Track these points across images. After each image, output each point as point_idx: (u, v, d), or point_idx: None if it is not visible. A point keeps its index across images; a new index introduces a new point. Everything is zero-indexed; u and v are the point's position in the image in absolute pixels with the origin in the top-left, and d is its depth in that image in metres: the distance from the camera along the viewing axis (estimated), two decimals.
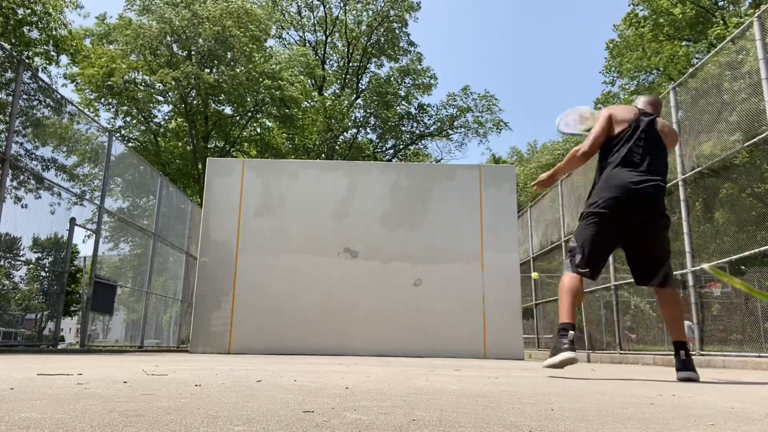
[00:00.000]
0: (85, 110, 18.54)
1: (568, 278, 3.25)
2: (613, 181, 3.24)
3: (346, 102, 26.57)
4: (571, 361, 3.02)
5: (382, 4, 27.14)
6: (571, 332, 3.12)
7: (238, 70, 19.94)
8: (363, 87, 28.52)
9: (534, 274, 4.21)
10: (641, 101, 3.60)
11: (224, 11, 19.30)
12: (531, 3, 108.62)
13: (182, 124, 21.68)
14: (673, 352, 3.16)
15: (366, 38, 27.71)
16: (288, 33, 28.77)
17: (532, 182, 3.66)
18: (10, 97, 6.63)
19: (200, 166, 19.75)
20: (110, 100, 20.21)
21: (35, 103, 7.45)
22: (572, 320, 3.15)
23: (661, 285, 3.19)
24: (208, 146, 21.62)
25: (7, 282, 8.14)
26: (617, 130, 3.37)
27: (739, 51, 6.52)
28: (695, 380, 2.99)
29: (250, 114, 21.81)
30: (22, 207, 7.38)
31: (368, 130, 28.36)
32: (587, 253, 3.24)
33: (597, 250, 3.25)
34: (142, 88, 20.24)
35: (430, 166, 13.23)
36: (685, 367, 3.04)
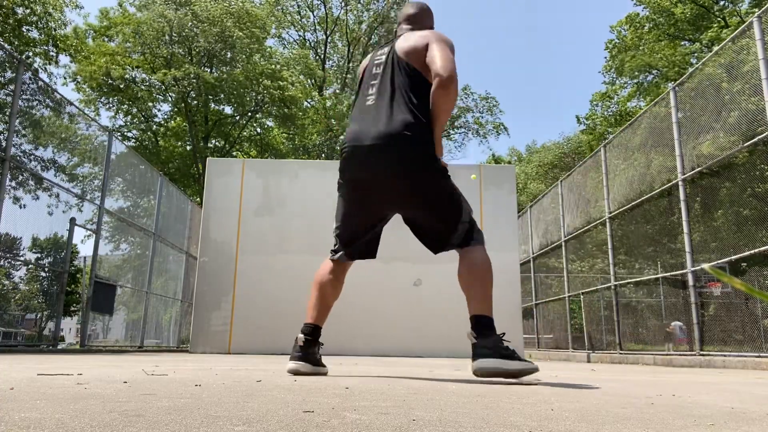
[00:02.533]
0: (86, 110, 18.55)
1: (321, 265, 2.73)
2: (344, 141, 2.61)
3: (347, 102, 26.57)
4: (295, 372, 2.49)
5: (383, 5, 27.15)
6: (301, 336, 2.54)
7: (238, 69, 19.94)
8: None
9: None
10: (400, 20, 2.81)
11: (224, 11, 19.30)
12: (531, 3, 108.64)
13: (182, 123, 21.68)
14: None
15: (366, 38, 27.71)
16: (288, 32, 28.78)
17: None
18: (10, 97, 6.63)
19: (200, 166, 19.76)
20: (110, 99, 20.22)
21: (35, 103, 7.45)
22: (312, 319, 2.59)
23: (460, 246, 2.61)
24: (208, 146, 21.62)
25: (7, 282, 8.14)
26: (358, 84, 2.74)
27: (739, 51, 6.52)
28: (501, 374, 2.33)
29: (250, 114, 21.82)
30: (21, 207, 7.38)
31: None
32: (339, 231, 2.66)
33: (349, 226, 2.62)
34: (142, 87, 20.25)
35: None
36: (483, 352, 2.35)
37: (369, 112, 2.54)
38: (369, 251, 2.74)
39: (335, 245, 2.70)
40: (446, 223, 2.54)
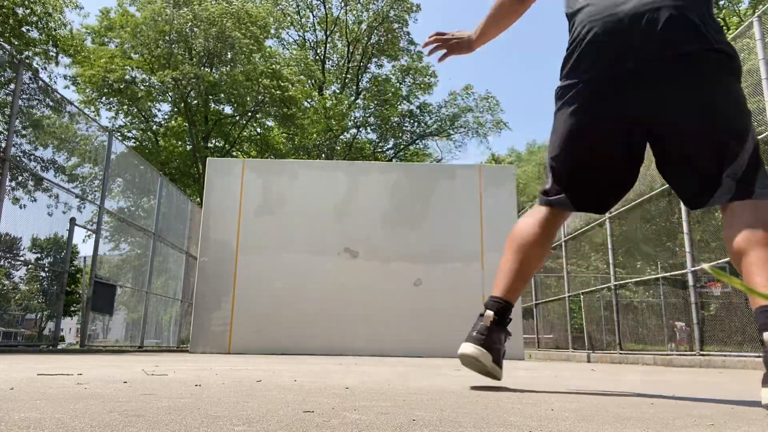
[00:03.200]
0: (86, 110, 18.55)
1: (521, 220, 1.98)
2: (591, 20, 1.75)
3: (346, 102, 26.58)
4: (468, 361, 1.92)
5: (382, 5, 27.15)
6: (489, 313, 1.88)
7: (238, 69, 19.95)
8: (363, 87, 28.53)
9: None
10: None
11: (224, 11, 19.31)
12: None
13: (182, 123, 21.69)
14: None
15: (366, 38, 27.71)
16: (288, 33, 28.78)
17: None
18: (10, 97, 6.63)
19: (200, 166, 19.76)
20: (111, 99, 20.22)
21: (35, 102, 7.45)
22: (504, 293, 1.91)
23: (737, 196, 1.57)
24: (208, 146, 21.63)
25: (7, 282, 8.14)
26: None
27: (738, 51, 6.52)
28: None
29: (250, 114, 21.82)
30: (20, 207, 7.38)
31: (368, 130, 28.36)
32: (558, 167, 1.87)
33: (576, 155, 1.82)
34: (142, 87, 20.25)
35: (430, 166, 13.24)
36: None
37: None
38: (600, 199, 1.88)
39: (549, 184, 1.92)
40: (723, 155, 1.61)
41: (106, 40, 20.36)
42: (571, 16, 1.88)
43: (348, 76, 28.52)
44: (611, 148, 1.78)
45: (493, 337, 1.87)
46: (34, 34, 15.34)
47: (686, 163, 1.67)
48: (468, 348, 1.88)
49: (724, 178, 1.59)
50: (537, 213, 1.93)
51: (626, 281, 8.85)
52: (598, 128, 1.77)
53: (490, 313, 1.88)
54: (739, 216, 1.55)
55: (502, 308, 1.90)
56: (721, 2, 20.35)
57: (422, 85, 28.59)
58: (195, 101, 20.20)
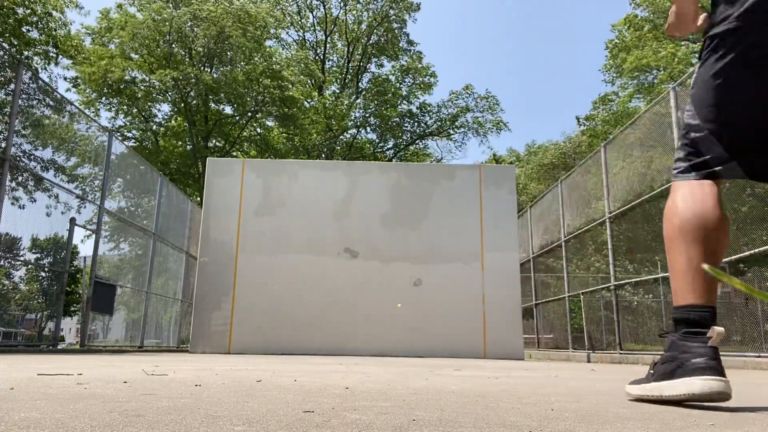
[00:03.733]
0: (86, 110, 18.55)
1: (681, 196, 1.63)
2: None
3: (346, 102, 26.58)
4: (716, 397, 1.45)
5: (382, 4, 27.15)
6: (717, 330, 1.50)
7: (238, 69, 19.95)
8: (363, 87, 28.53)
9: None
10: None
11: (224, 12, 19.31)
12: (531, 2, 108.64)
13: (182, 123, 21.69)
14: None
15: (366, 38, 27.71)
16: (288, 33, 28.78)
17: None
18: (10, 97, 6.63)
19: (200, 166, 19.76)
20: (111, 99, 20.22)
21: (35, 102, 7.45)
22: (705, 297, 1.55)
23: None
24: (208, 146, 21.63)
25: (7, 282, 8.14)
26: None
27: None
28: None
29: (250, 114, 21.82)
30: (20, 207, 7.38)
31: (368, 130, 28.37)
32: (720, 130, 1.58)
33: (742, 118, 1.56)
34: (141, 87, 20.25)
35: (430, 166, 13.24)
36: None
37: None
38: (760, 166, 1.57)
39: (700, 160, 1.63)
40: None
41: (106, 40, 20.36)
42: None
43: (348, 76, 28.52)
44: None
45: (719, 357, 1.50)
46: (34, 34, 15.34)
47: None
48: (716, 385, 1.44)
49: None
50: (703, 189, 1.58)
51: (626, 281, 8.85)
52: None
53: (718, 329, 1.50)
54: None
55: (708, 313, 1.54)
56: None
57: (422, 85, 28.60)
58: (195, 101, 20.20)
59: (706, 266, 0.54)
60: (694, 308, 1.53)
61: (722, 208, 1.58)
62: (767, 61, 1.49)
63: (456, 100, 28.45)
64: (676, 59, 19.12)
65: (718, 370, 1.44)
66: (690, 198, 1.59)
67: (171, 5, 19.12)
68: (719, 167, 1.57)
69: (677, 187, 1.65)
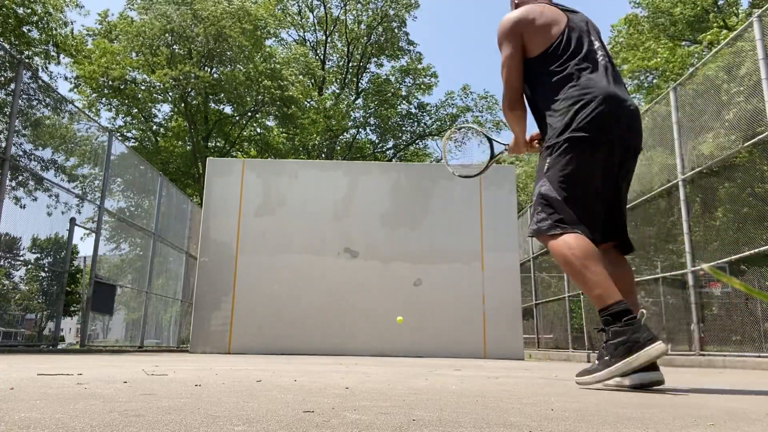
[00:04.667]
0: (86, 111, 18.54)
1: (568, 238, 2.16)
2: (590, 89, 2.22)
3: (346, 102, 26.58)
4: (662, 353, 2.00)
5: (381, 3, 27.14)
6: (642, 311, 2.05)
7: (238, 69, 19.95)
8: (363, 87, 28.53)
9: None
10: None
11: (224, 11, 19.30)
12: None
13: (182, 123, 21.69)
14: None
15: (366, 38, 27.71)
16: (288, 32, 28.78)
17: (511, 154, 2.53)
18: (10, 97, 6.63)
19: (200, 166, 19.76)
20: (111, 100, 20.22)
21: (35, 102, 7.45)
22: (621, 296, 2.09)
23: (625, 249, 2.40)
24: (208, 146, 21.62)
25: (7, 282, 8.14)
26: (553, 31, 2.35)
27: (738, 53, 6.52)
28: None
29: (250, 114, 21.82)
30: (21, 207, 7.38)
31: (368, 130, 28.37)
32: (580, 204, 2.21)
33: (592, 195, 2.24)
34: (142, 87, 20.24)
35: (430, 166, 13.23)
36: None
37: (606, 71, 2.30)
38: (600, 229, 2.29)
39: (573, 224, 2.20)
40: (624, 211, 2.43)
41: (107, 41, 20.36)
42: (560, 71, 2.31)
43: (348, 76, 28.52)
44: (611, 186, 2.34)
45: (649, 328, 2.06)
46: (35, 34, 15.34)
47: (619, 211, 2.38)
48: (663, 346, 2.00)
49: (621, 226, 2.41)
50: (578, 234, 2.20)
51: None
52: (608, 173, 2.29)
53: (642, 310, 2.06)
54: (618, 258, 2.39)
55: (625, 306, 2.07)
56: (721, 2, 20.35)
57: (422, 86, 28.61)
58: (195, 101, 20.20)
59: (706, 266, 0.54)
60: (619, 303, 2.05)
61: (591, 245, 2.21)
62: (599, 156, 2.22)
63: (453, 100, 28.47)
64: (674, 60, 19.11)
65: (657, 338, 1.98)
66: (575, 238, 2.16)
67: (171, 8, 19.12)
68: (573, 225, 2.18)
69: (557, 237, 2.21)
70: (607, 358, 2.04)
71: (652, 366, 2.01)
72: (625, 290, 2.21)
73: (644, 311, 2.01)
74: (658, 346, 1.95)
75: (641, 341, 1.96)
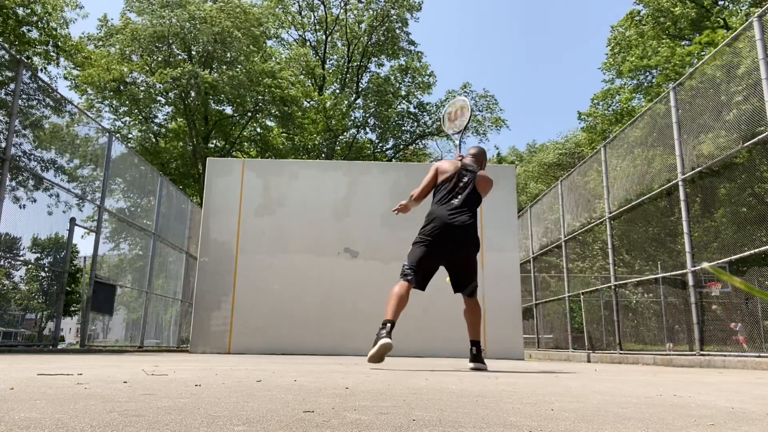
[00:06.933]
0: (87, 112, 18.53)
1: (399, 285, 4.07)
2: (436, 216, 4.20)
3: (346, 102, 26.58)
4: (388, 347, 3.66)
5: (383, 4, 27.13)
6: (389, 326, 3.82)
7: (238, 70, 19.94)
8: (363, 87, 28.52)
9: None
10: (468, 154, 4.58)
11: (222, 11, 19.29)
12: (531, 2, 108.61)
13: (182, 124, 21.69)
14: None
15: (366, 38, 27.69)
16: (288, 32, 28.76)
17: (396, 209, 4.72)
18: (10, 97, 6.63)
19: (200, 166, 19.75)
20: (111, 102, 20.21)
21: (34, 102, 7.45)
22: (394, 318, 3.88)
23: (469, 295, 4.24)
24: (208, 146, 21.62)
25: (7, 282, 8.14)
26: (441, 179, 4.36)
27: (737, 53, 6.52)
28: (484, 370, 3.93)
29: (250, 114, 21.81)
30: (21, 207, 7.38)
31: (368, 130, 28.36)
32: (416, 267, 4.11)
33: (422, 264, 4.12)
34: (142, 89, 20.24)
35: (430, 166, 13.25)
36: (475, 359, 4.07)
37: (456, 208, 4.21)
38: (424, 283, 4.22)
39: (410, 275, 4.12)
40: (470, 277, 4.28)
41: (107, 45, 20.35)
42: (433, 203, 4.39)
43: (348, 75, 28.51)
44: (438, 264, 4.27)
45: (389, 334, 3.78)
46: (34, 34, 15.32)
47: (460, 275, 4.29)
48: (386, 340, 3.70)
49: (469, 286, 4.27)
50: (403, 284, 4.11)
51: (627, 281, 8.84)
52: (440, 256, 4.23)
53: (389, 326, 3.84)
54: (468, 301, 4.31)
55: (392, 323, 3.88)
56: (721, 2, 20.34)
57: (421, 85, 28.60)
58: (195, 101, 20.20)
59: (707, 264, 0.54)
60: (389, 320, 3.85)
61: (408, 291, 4.06)
62: (432, 249, 4.18)
63: (453, 99, 28.44)
64: (675, 59, 19.10)
65: (389, 338, 3.69)
66: (399, 286, 4.09)
67: (170, 9, 19.10)
68: (409, 279, 4.13)
69: (398, 283, 4.14)
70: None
71: (382, 351, 3.67)
72: (469, 321, 4.28)
73: (385, 339, 3.69)
74: (385, 340, 3.67)
75: (380, 337, 3.72)
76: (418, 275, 4.11)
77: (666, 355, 7.02)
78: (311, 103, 24.88)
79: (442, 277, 8.75)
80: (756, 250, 5.72)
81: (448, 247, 4.15)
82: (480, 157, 4.58)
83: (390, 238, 8.49)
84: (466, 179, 4.32)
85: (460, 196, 4.25)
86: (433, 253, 4.16)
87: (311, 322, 8.19)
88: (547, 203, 12.77)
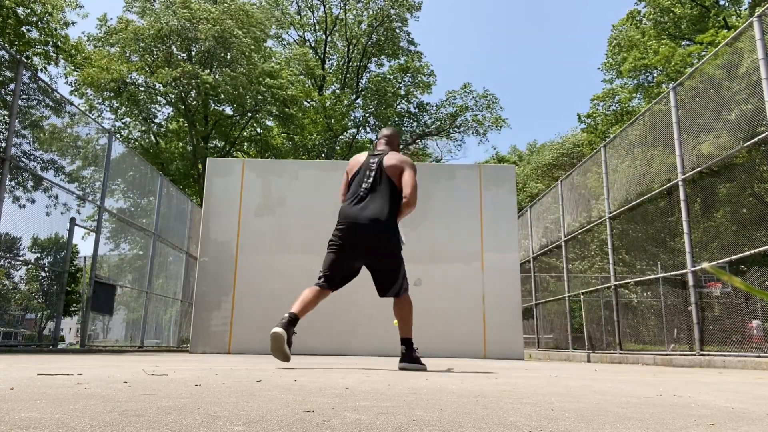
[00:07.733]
0: (87, 112, 18.53)
1: (309, 289, 3.87)
2: (341, 216, 3.88)
3: (346, 101, 26.57)
4: (277, 337, 3.48)
5: (383, 3, 27.11)
6: (287, 316, 3.64)
7: (238, 70, 19.94)
8: (363, 86, 28.51)
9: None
10: (382, 135, 4.27)
11: (223, 12, 19.29)
12: (532, 2, 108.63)
13: (182, 124, 21.68)
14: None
15: (366, 38, 27.69)
16: (288, 32, 28.76)
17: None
18: (10, 97, 6.63)
19: (200, 166, 19.75)
20: (111, 102, 20.20)
21: (34, 102, 7.44)
22: (297, 312, 3.68)
23: (395, 296, 3.88)
24: (208, 146, 21.61)
25: (7, 282, 8.14)
26: (351, 174, 4.06)
27: (738, 53, 6.52)
28: (417, 370, 3.66)
29: (250, 114, 21.80)
30: (20, 207, 7.38)
31: (368, 130, 28.36)
32: (328, 273, 3.84)
33: (335, 270, 3.83)
34: (142, 89, 20.22)
35: (430, 165, 13.21)
36: (404, 359, 3.77)
37: (362, 201, 3.85)
38: (342, 284, 3.93)
39: (322, 280, 3.85)
40: (391, 279, 3.87)
41: (107, 45, 20.33)
42: (343, 201, 4.03)
43: (348, 75, 28.50)
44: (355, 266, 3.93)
45: (290, 330, 3.59)
46: (34, 34, 15.32)
47: (380, 277, 3.89)
48: (277, 329, 3.50)
49: (391, 289, 3.88)
50: (318, 287, 3.84)
51: (627, 281, 8.84)
52: (352, 259, 3.88)
53: (287, 317, 3.62)
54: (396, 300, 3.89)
55: (295, 318, 3.66)
56: (722, 2, 20.34)
57: (421, 85, 28.58)
58: (194, 102, 20.19)
59: (707, 265, 0.54)
60: (292, 312, 3.65)
61: (318, 296, 3.80)
62: (342, 252, 3.85)
63: (454, 99, 28.43)
64: (675, 58, 19.10)
65: (283, 327, 3.52)
66: (309, 290, 3.84)
67: (170, 11, 19.09)
68: (322, 284, 3.84)
69: (316, 283, 3.87)
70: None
71: (273, 345, 3.50)
72: (397, 317, 3.88)
73: (280, 329, 3.49)
74: (276, 329, 3.51)
75: (281, 322, 3.59)
76: (330, 281, 3.81)
77: (666, 355, 7.02)
78: (311, 103, 24.87)
79: (442, 276, 8.69)
80: (756, 250, 5.72)
81: (359, 250, 3.78)
82: (392, 137, 4.19)
83: None
84: (373, 165, 3.91)
85: (365, 186, 3.84)
86: (344, 257, 3.81)
87: (311, 321, 8.17)
88: (547, 203, 12.77)
